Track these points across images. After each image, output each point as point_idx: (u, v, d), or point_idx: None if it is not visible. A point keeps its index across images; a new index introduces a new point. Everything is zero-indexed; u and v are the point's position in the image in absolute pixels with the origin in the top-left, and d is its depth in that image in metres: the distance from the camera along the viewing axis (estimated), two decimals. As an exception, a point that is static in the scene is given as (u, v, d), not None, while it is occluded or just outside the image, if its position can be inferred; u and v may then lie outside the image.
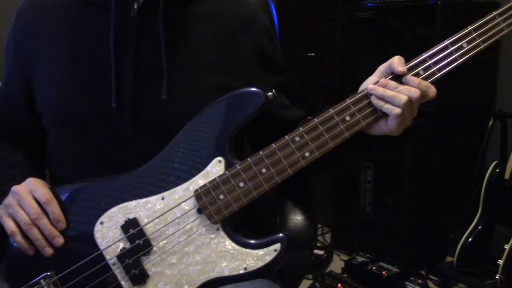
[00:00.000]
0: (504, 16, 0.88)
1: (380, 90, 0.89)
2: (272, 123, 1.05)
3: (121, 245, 0.94)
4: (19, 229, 0.94)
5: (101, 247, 0.94)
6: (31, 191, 0.95)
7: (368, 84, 0.91)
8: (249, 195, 0.92)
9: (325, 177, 2.68)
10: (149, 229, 0.94)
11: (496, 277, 1.95)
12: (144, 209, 0.94)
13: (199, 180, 0.93)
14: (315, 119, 0.91)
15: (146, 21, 0.98)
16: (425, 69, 0.90)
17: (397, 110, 0.87)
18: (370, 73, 0.94)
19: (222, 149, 0.94)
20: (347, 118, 0.91)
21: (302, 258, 1.15)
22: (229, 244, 0.93)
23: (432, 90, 0.89)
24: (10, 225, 0.94)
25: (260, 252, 0.92)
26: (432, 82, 0.90)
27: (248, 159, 0.92)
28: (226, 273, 0.93)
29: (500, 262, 1.96)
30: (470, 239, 2.11)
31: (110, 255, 0.94)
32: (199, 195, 0.92)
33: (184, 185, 0.94)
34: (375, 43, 2.49)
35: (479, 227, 2.11)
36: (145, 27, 0.98)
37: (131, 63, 0.98)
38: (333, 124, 0.91)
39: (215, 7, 1.04)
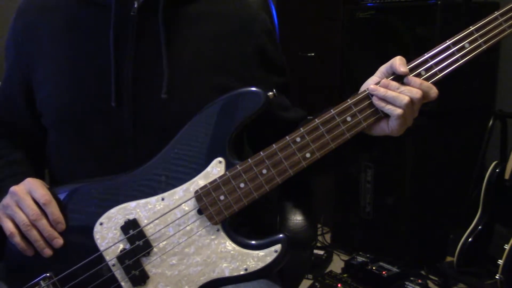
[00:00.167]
0: (506, 16, 0.88)
1: (381, 91, 0.88)
2: (273, 124, 1.04)
3: (121, 246, 0.93)
4: (18, 230, 0.94)
5: (101, 248, 0.93)
6: (29, 192, 0.95)
7: (369, 84, 0.90)
8: (250, 196, 0.92)
9: (326, 177, 2.68)
10: (149, 230, 0.93)
11: (496, 277, 1.95)
12: (144, 210, 0.94)
13: (199, 181, 0.93)
14: (316, 120, 0.91)
15: (146, 21, 0.98)
16: (427, 70, 0.89)
17: (399, 111, 0.87)
18: (370, 73, 0.93)
19: (222, 150, 0.93)
20: (348, 119, 0.90)
21: (302, 258, 1.14)
22: (229, 245, 0.93)
23: (434, 91, 0.89)
24: (8, 226, 0.94)
25: (261, 253, 0.92)
26: (434, 83, 0.89)
27: (249, 159, 0.92)
28: (227, 274, 0.92)
29: (500, 262, 1.96)
30: (470, 239, 2.11)
31: (110, 256, 0.93)
32: (199, 196, 0.92)
33: (184, 186, 0.93)
34: (375, 43, 2.49)
35: (479, 227, 2.11)
36: (145, 27, 0.98)
37: (131, 63, 0.97)
38: (334, 125, 0.90)
39: (215, 7, 1.04)
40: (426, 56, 0.90)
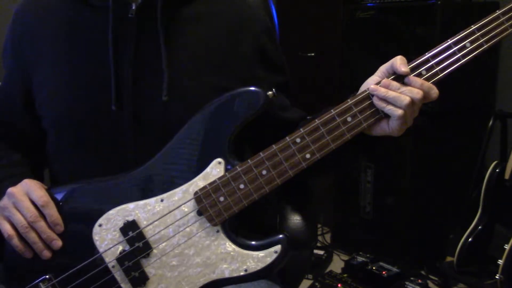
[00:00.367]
0: (508, 15, 0.87)
1: (382, 91, 0.88)
2: (272, 124, 1.04)
3: (121, 247, 0.93)
4: (16, 232, 0.93)
5: (100, 250, 0.93)
6: (27, 193, 0.94)
7: (370, 84, 0.90)
8: (250, 197, 0.91)
9: (326, 178, 2.67)
10: (148, 232, 0.93)
11: (496, 277, 1.95)
12: (143, 211, 0.93)
13: (199, 182, 0.92)
14: (316, 120, 0.90)
15: (145, 22, 0.97)
16: (428, 69, 0.89)
17: (399, 112, 0.86)
18: (370, 73, 0.93)
19: (222, 150, 0.93)
20: (349, 119, 0.90)
21: (302, 258, 1.14)
22: (229, 246, 0.92)
23: (435, 91, 0.88)
24: (6, 228, 0.94)
25: (261, 253, 0.91)
26: (435, 83, 0.89)
27: (249, 160, 0.91)
28: (227, 275, 0.92)
29: (500, 262, 1.95)
30: (470, 239, 2.11)
31: (110, 258, 0.93)
32: (199, 197, 0.92)
33: (183, 187, 0.93)
34: (375, 43, 2.49)
35: (479, 227, 2.11)
36: (144, 28, 0.98)
37: (130, 65, 0.97)
38: (335, 126, 0.90)
39: (214, 7, 1.03)
40: (427, 55, 0.89)
